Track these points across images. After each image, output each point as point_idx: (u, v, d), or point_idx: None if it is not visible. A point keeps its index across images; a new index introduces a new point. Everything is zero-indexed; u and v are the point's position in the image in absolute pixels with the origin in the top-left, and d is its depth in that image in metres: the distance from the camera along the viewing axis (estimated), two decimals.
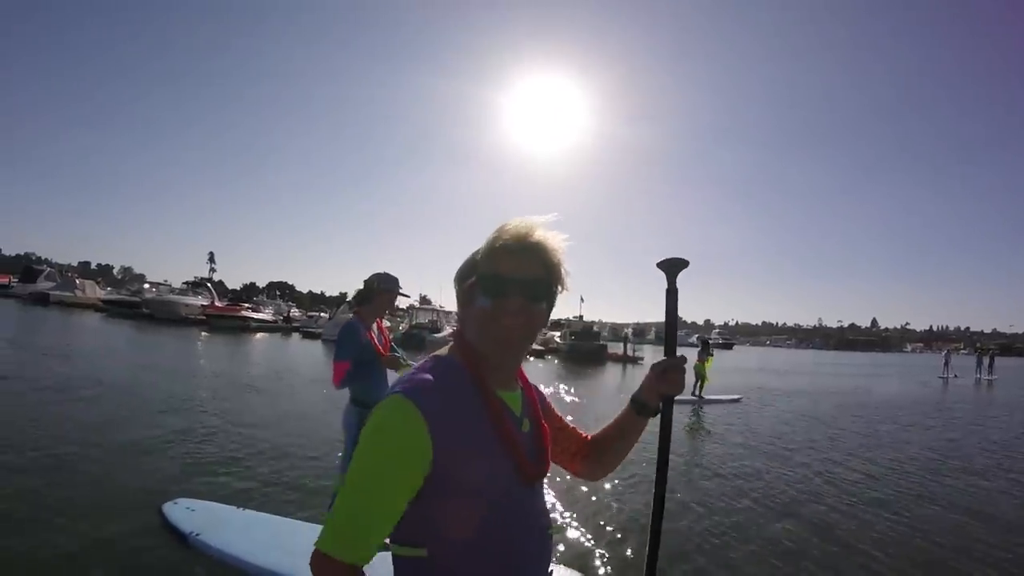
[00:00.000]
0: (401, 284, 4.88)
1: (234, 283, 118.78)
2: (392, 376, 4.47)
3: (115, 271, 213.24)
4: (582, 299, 59.66)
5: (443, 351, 1.39)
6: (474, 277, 1.33)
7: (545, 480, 1.44)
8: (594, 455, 1.71)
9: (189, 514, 5.44)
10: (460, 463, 1.18)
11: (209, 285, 57.19)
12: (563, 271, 1.35)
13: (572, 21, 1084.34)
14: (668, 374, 1.58)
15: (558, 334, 50.71)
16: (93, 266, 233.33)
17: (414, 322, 49.04)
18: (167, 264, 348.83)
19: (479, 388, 1.29)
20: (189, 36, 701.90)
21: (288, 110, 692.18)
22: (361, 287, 4.82)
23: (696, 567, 5.53)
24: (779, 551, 6.02)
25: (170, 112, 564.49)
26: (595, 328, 48.48)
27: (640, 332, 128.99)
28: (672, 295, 1.61)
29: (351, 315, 4.82)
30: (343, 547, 1.12)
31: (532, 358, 37.12)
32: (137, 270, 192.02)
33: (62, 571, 4.61)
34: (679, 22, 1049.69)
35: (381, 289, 4.71)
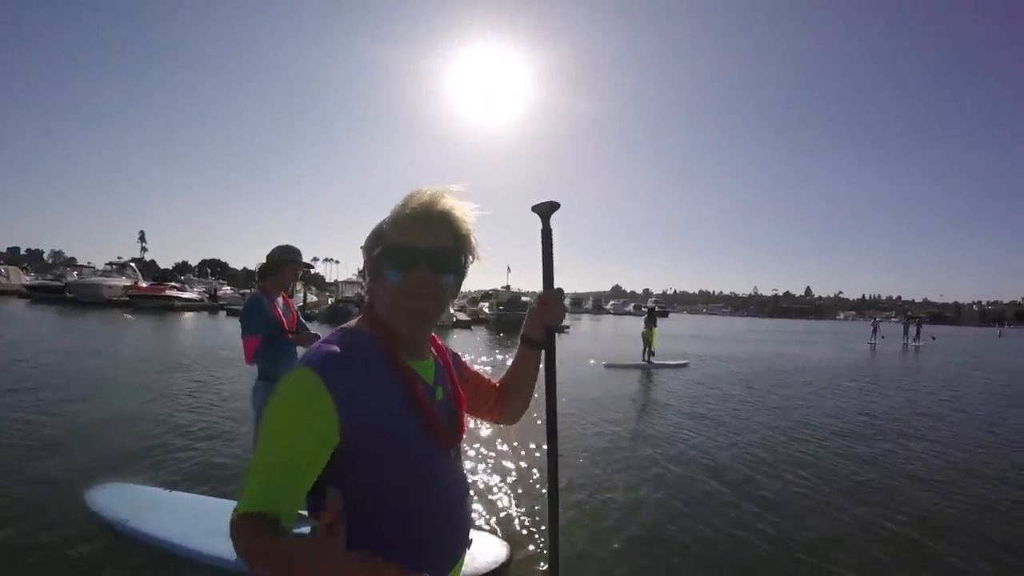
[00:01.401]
0: (303, 254, 4.81)
1: (167, 262, 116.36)
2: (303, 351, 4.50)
3: (45, 255, 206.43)
4: (509, 269, 59.26)
5: (351, 323, 1.38)
6: (380, 248, 1.31)
7: (463, 446, 1.47)
8: (506, 399, 1.78)
9: (118, 499, 5.37)
10: (371, 435, 1.18)
11: (133, 265, 55.78)
12: (473, 240, 1.35)
13: None
14: (547, 306, 1.70)
15: (486, 305, 50.59)
16: (23, 251, 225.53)
17: (341, 296, 48.45)
18: (99, 246, 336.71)
19: (389, 358, 1.29)
20: (112, 10, 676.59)
21: (218, 82, 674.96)
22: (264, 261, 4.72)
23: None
24: (723, 512, 6.29)
25: (93, 90, 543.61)
26: (525, 298, 48.44)
27: (577, 302, 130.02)
28: (547, 234, 1.74)
29: (255, 289, 4.70)
30: (257, 501, 1.10)
31: (459, 330, 37.24)
32: (69, 254, 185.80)
33: None
34: None
35: (283, 261, 4.64)
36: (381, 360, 1.28)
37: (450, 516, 1.36)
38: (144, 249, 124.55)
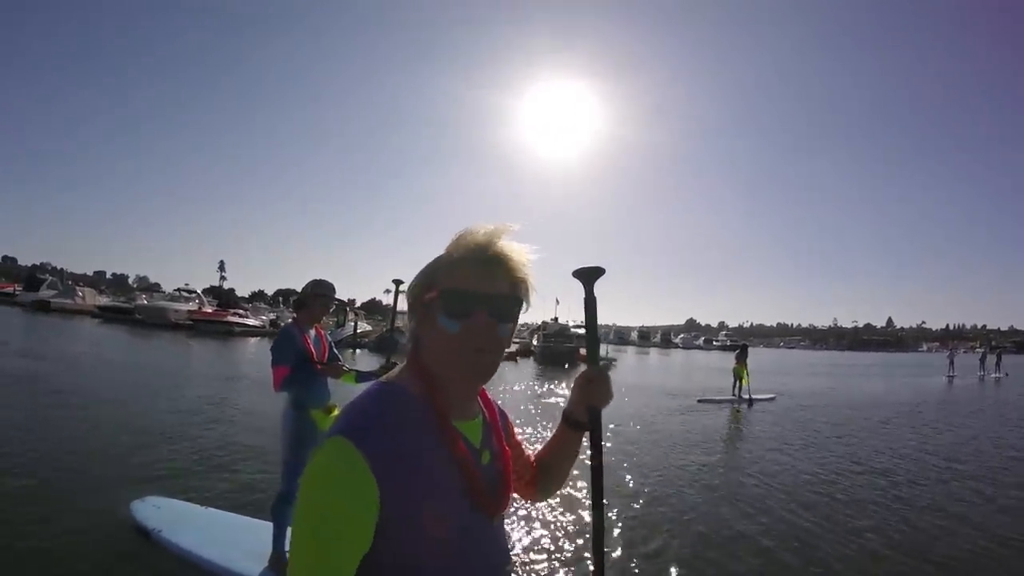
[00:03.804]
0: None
1: (244, 290, 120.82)
2: (333, 385, 4.75)
3: (130, 280, 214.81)
4: (558, 301, 59.08)
5: (391, 376, 1.26)
6: (434, 292, 1.19)
7: (505, 513, 1.35)
8: (541, 477, 1.61)
9: (155, 511, 5.66)
10: (411, 505, 1.07)
11: (199, 292, 58.06)
12: (529, 287, 1.23)
13: (582, 25, 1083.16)
14: (592, 385, 1.48)
15: (534, 337, 50.02)
16: (108, 275, 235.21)
17: (388, 326, 47.79)
18: (183, 273, 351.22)
19: (432, 420, 1.17)
20: (200, 44, 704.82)
21: (302, 119, 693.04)
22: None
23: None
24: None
25: (184, 123, 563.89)
26: (573, 330, 47.73)
27: (645, 335, 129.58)
28: (590, 304, 1.55)
29: (289, 321, 4.93)
30: None
31: (505, 362, 36.67)
32: (153, 279, 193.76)
33: (27, 562, 4.86)
34: (687, 25, 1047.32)
35: (314, 295, 4.79)
36: (423, 422, 1.16)
37: None
38: (223, 278, 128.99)
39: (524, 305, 1.24)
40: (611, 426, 12.82)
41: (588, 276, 1.52)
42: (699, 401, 19.05)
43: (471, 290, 1.15)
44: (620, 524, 6.75)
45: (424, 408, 1.17)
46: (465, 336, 1.15)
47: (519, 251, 1.20)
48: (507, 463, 1.34)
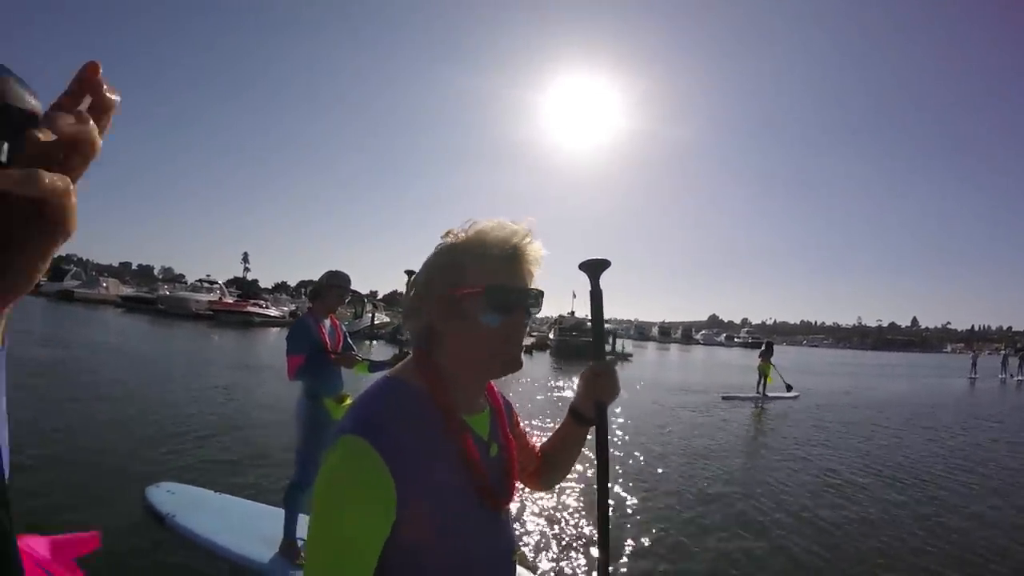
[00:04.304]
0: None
1: (268, 282, 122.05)
2: (347, 374, 4.83)
3: (155, 271, 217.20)
4: (574, 295, 59.04)
5: (396, 372, 1.25)
6: (476, 287, 1.16)
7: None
8: (546, 468, 1.60)
9: (169, 496, 5.71)
10: (422, 502, 1.07)
11: (221, 283, 58.83)
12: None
13: (604, 22, 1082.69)
14: (598, 380, 1.48)
15: (551, 331, 49.84)
16: (134, 266, 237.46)
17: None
18: (208, 265, 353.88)
19: (442, 416, 1.17)
20: (231, 46, 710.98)
21: (329, 121, 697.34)
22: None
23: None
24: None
25: (215, 122, 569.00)
26: (590, 324, 47.43)
27: (666, 331, 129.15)
28: (596, 297, 1.55)
29: (305, 311, 5.01)
30: None
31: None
32: (178, 271, 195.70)
33: None
34: (710, 23, 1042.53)
35: (330, 285, 4.82)
36: (431, 416, 1.17)
37: None
38: (247, 269, 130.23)
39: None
40: (631, 421, 12.94)
41: (594, 269, 1.51)
42: (723, 398, 19.04)
43: (516, 286, 1.18)
44: (636, 518, 6.72)
45: (433, 403, 1.17)
46: (505, 331, 1.18)
47: (540, 248, 1.22)
48: (513, 456, 1.34)
